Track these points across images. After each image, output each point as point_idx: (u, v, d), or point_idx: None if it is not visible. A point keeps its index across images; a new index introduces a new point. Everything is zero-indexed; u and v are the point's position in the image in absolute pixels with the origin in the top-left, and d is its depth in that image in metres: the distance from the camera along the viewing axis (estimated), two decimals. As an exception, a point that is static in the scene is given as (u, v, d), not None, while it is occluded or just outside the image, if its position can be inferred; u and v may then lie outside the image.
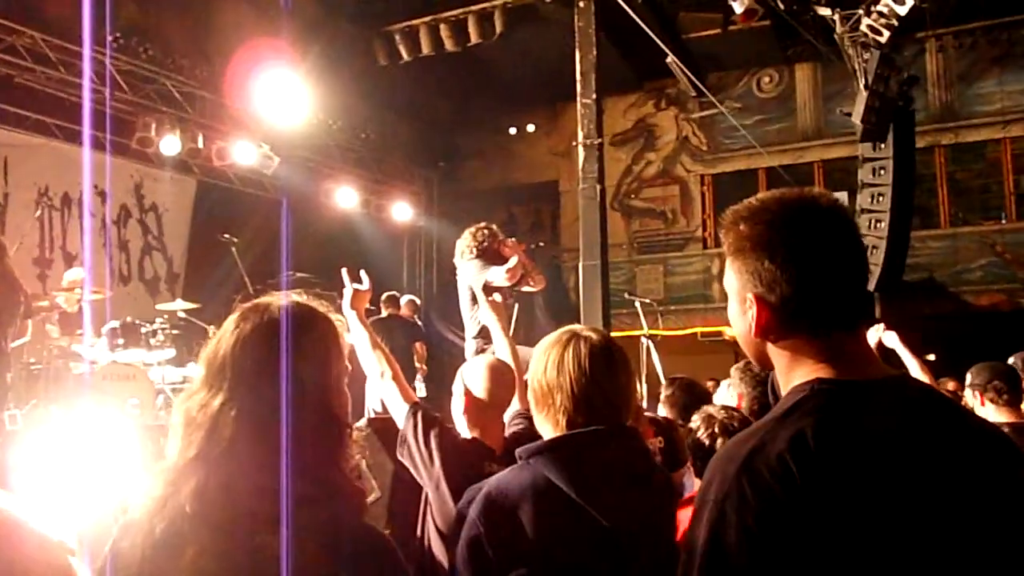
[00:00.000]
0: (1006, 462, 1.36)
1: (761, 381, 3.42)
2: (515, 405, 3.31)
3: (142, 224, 12.45)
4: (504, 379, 3.07)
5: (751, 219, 1.43)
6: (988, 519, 1.27)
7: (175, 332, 9.31)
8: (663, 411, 4.49)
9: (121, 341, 8.70)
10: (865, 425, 1.29)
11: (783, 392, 1.42)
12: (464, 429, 3.01)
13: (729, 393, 3.64)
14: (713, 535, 1.24)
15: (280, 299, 1.74)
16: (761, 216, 1.42)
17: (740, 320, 1.46)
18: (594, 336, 2.25)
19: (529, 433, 3.18)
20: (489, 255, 6.19)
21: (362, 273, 3.53)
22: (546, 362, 2.21)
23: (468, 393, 2.99)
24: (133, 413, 7.89)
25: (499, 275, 6.02)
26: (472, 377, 3.03)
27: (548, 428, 2.21)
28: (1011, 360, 5.79)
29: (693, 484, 3.17)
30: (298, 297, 1.76)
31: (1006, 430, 4.25)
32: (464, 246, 6.27)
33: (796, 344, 1.40)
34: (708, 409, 3.16)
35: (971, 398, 4.82)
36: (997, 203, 14.45)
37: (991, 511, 1.28)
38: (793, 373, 1.41)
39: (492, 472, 2.83)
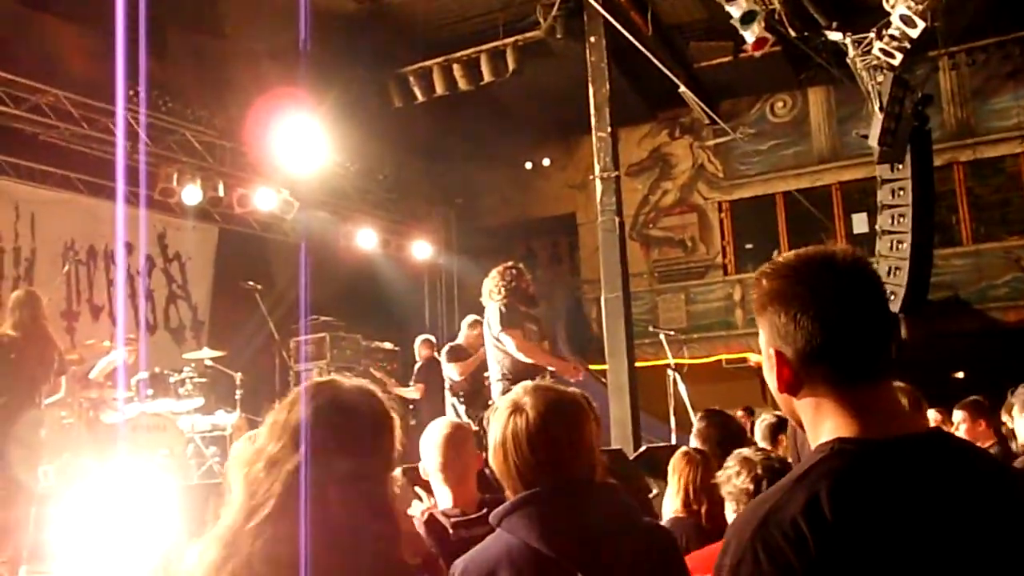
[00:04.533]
0: None
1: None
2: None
3: (166, 273, 12.58)
4: (454, 442, 3.11)
5: (771, 275, 1.45)
6: None
7: (203, 380, 9.40)
8: (695, 443, 4.50)
9: (150, 391, 8.79)
10: (884, 490, 1.26)
11: (812, 448, 1.40)
12: (439, 495, 3.10)
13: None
14: None
15: (346, 380, 1.87)
16: (780, 272, 1.44)
17: (769, 377, 1.45)
18: (542, 395, 2.17)
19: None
20: (518, 294, 6.15)
21: None
22: (498, 426, 2.15)
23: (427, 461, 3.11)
24: (165, 464, 7.95)
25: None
26: (425, 445, 3.11)
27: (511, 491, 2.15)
28: None
29: None
30: (360, 381, 1.88)
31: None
32: (492, 286, 6.20)
33: (818, 398, 1.39)
34: (743, 452, 3.08)
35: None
36: (1019, 217, 14.28)
37: None
38: (818, 429, 1.39)
39: (460, 536, 2.87)
